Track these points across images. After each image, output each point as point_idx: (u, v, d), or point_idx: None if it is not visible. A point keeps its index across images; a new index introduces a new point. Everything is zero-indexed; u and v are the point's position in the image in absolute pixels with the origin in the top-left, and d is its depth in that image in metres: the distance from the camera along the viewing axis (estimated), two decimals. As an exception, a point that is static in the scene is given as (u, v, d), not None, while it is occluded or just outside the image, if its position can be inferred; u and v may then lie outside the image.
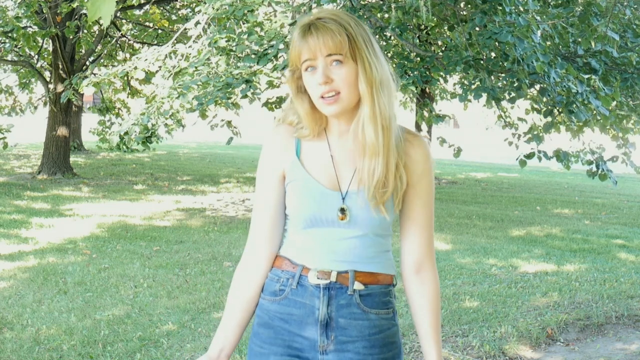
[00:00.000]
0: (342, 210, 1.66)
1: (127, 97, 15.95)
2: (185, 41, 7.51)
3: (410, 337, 4.20)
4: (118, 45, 14.81)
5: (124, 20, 14.41)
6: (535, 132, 6.30)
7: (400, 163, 1.67)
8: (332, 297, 1.68)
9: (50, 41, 13.12)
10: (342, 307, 1.68)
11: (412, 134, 1.73)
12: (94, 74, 8.32)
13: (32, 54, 14.54)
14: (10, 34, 12.31)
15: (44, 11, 12.06)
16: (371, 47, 1.64)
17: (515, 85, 5.57)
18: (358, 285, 1.68)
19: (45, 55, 14.54)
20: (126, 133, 6.37)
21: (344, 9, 5.96)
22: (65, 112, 13.21)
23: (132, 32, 15.25)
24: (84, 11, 12.29)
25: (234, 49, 6.09)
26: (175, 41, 7.30)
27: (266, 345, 1.72)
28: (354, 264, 1.68)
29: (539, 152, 6.26)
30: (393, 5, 6.17)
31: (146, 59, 7.06)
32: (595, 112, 5.74)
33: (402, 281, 1.78)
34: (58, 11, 11.87)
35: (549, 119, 6.06)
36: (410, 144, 1.70)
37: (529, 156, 6.27)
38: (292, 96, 1.72)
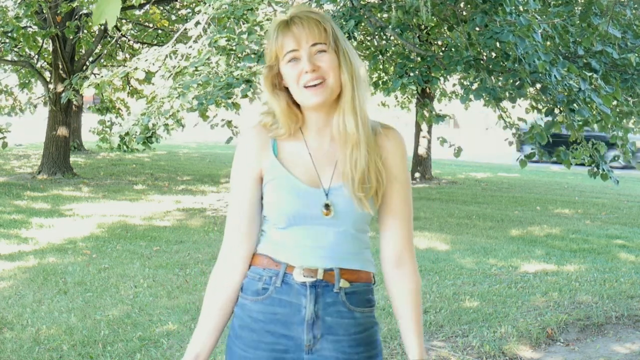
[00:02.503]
0: (327, 206, 1.65)
1: (127, 96, 15.94)
2: (185, 41, 7.51)
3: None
4: (118, 45, 14.81)
5: (124, 20, 14.39)
6: (537, 132, 6.30)
7: (379, 158, 1.68)
8: (319, 295, 1.66)
9: (50, 41, 13.11)
10: (329, 306, 1.66)
11: (386, 127, 1.74)
12: (95, 75, 8.32)
13: (32, 54, 14.54)
14: (10, 34, 12.30)
15: (44, 11, 12.06)
16: (346, 41, 1.68)
17: (517, 84, 5.57)
18: (344, 283, 1.67)
19: (45, 55, 14.54)
20: (127, 133, 6.37)
21: (344, 9, 5.96)
22: (65, 112, 13.20)
23: (132, 32, 15.24)
24: (84, 11, 12.29)
25: (234, 48, 6.09)
26: (175, 41, 7.29)
27: (250, 350, 1.69)
28: (338, 261, 1.67)
29: (539, 152, 6.26)
30: (393, 5, 6.17)
31: (146, 59, 7.06)
32: (596, 110, 5.74)
33: (382, 275, 1.78)
34: (58, 11, 11.86)
35: (550, 117, 6.06)
36: (385, 137, 1.71)
37: (530, 156, 6.27)
38: (268, 94, 1.70)
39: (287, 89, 1.69)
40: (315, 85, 1.62)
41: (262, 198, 1.72)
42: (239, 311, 1.72)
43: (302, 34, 1.63)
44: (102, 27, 13.24)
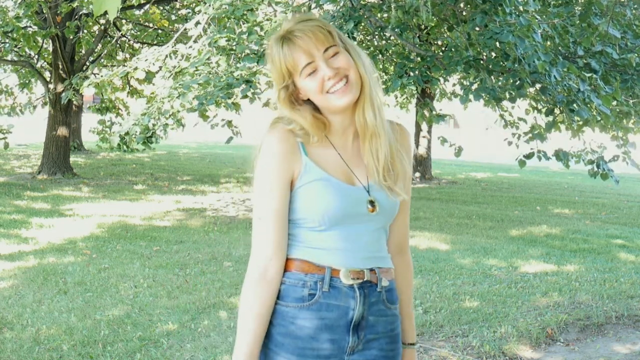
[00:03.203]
0: (371, 202, 1.67)
1: (127, 96, 15.94)
2: (185, 41, 7.51)
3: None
4: (118, 45, 14.80)
5: (124, 20, 14.39)
6: (537, 132, 6.30)
7: (400, 147, 1.73)
8: (367, 296, 1.68)
9: (50, 41, 13.12)
10: (373, 305, 1.69)
11: (396, 124, 1.78)
12: (95, 75, 8.32)
13: (32, 54, 14.54)
14: (10, 34, 12.30)
15: (44, 11, 12.06)
16: (348, 38, 1.71)
17: (517, 84, 5.57)
18: (385, 282, 1.71)
19: (45, 55, 14.54)
20: (127, 133, 6.37)
21: (344, 9, 5.96)
22: (65, 112, 13.20)
23: (132, 32, 15.24)
24: (84, 11, 12.29)
25: (234, 48, 6.09)
26: (175, 41, 7.29)
27: (294, 357, 1.65)
28: (376, 260, 1.71)
29: (539, 152, 6.26)
30: (393, 5, 6.17)
31: (146, 59, 7.06)
32: (596, 111, 5.74)
33: None
34: (58, 11, 11.86)
35: (550, 118, 6.06)
36: (398, 132, 1.76)
37: (529, 156, 6.27)
38: (289, 112, 1.68)
39: (305, 101, 1.70)
40: (340, 87, 1.63)
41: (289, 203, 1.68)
42: (280, 320, 1.66)
43: (311, 44, 1.62)
44: (102, 27, 13.26)
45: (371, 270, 1.69)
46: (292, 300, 1.65)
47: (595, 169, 6.21)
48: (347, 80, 1.64)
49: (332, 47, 1.63)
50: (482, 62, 5.85)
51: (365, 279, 1.67)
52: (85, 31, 13.70)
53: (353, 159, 1.71)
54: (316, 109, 1.70)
